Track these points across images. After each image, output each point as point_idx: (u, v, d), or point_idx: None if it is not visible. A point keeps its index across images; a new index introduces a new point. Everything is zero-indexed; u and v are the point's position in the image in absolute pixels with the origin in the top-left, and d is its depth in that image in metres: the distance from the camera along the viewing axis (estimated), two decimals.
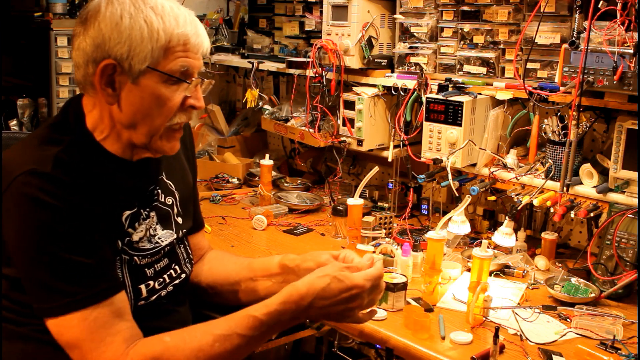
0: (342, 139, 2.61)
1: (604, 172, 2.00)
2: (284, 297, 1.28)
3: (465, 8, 2.31)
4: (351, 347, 2.49)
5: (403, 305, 1.81)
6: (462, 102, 2.18)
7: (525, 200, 2.10)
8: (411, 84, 2.39)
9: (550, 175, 2.09)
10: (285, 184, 2.99)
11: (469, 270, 1.96)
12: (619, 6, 1.81)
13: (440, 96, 2.24)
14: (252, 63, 2.96)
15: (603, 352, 1.60)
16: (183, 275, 1.52)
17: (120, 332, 1.25)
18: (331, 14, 2.56)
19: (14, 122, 3.25)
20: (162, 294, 1.45)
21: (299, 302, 1.28)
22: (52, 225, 1.21)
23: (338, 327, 1.90)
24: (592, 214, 2.01)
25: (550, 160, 2.09)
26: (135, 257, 1.38)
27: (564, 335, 1.69)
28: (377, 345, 1.98)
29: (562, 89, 2.00)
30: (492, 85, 2.25)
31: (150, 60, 1.26)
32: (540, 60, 2.12)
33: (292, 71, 2.81)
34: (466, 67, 2.33)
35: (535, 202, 2.09)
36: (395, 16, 2.52)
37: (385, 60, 2.53)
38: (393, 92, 2.48)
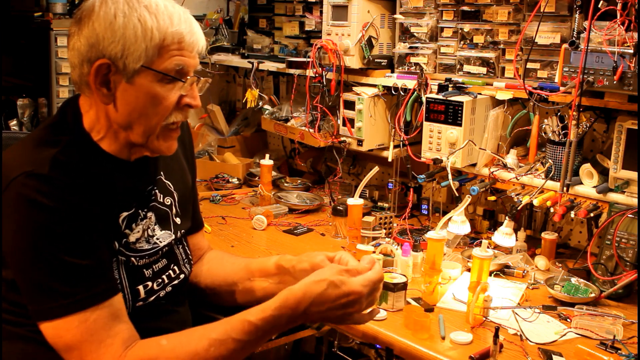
0: (342, 139, 2.61)
1: (604, 172, 2.00)
2: (280, 302, 1.27)
3: (465, 8, 2.31)
4: (351, 347, 2.49)
5: (403, 305, 1.81)
6: (462, 102, 2.18)
7: (525, 200, 2.10)
8: (411, 84, 2.39)
9: (550, 175, 2.09)
10: (285, 184, 2.99)
11: (469, 270, 1.96)
12: (619, 6, 1.80)
13: (440, 96, 2.24)
14: (252, 63, 2.96)
15: (603, 352, 1.60)
16: (182, 276, 1.52)
17: (118, 334, 1.25)
18: (331, 14, 2.56)
19: (14, 122, 3.25)
20: (161, 295, 1.44)
21: (295, 307, 1.26)
22: (49, 227, 1.20)
23: (338, 327, 1.90)
24: (592, 214, 2.01)
25: (550, 160, 2.09)
26: (133, 258, 1.38)
27: (564, 335, 1.69)
28: (377, 345, 1.98)
29: (562, 89, 2.00)
30: (492, 85, 2.25)
31: (145, 59, 1.25)
32: (540, 60, 2.12)
33: (292, 71, 2.81)
34: (466, 67, 2.33)
35: (535, 202, 2.09)
36: (395, 16, 2.52)
37: (385, 60, 2.53)
38: (393, 92, 2.48)
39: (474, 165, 2.27)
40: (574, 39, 1.96)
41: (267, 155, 2.78)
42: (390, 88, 2.48)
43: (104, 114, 1.32)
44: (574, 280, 1.94)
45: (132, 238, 1.37)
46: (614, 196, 1.95)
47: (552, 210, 2.06)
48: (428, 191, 2.64)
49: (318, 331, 2.05)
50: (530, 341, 1.65)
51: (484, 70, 2.29)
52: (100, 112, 1.32)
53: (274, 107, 3.03)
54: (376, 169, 2.24)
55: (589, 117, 2.06)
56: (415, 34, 2.45)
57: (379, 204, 2.66)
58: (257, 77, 2.99)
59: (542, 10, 2.03)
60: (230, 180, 3.03)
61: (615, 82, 1.85)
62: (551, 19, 2.08)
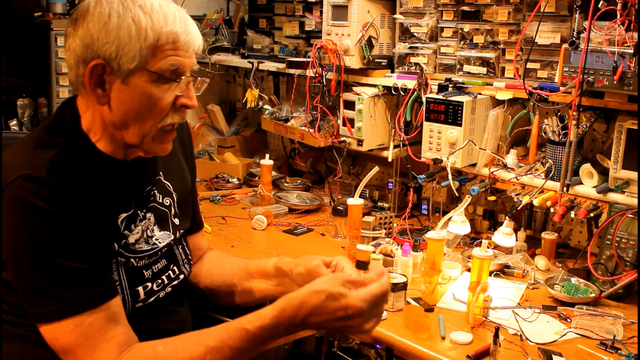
0: (342, 139, 2.61)
1: (604, 172, 2.00)
2: (278, 310, 1.24)
3: (465, 8, 2.31)
4: (351, 347, 2.49)
5: (403, 305, 1.81)
6: (462, 102, 2.18)
7: (525, 200, 2.10)
8: (411, 84, 2.39)
9: (550, 175, 2.09)
10: (285, 184, 2.99)
11: (469, 270, 1.96)
12: (619, 6, 1.80)
13: (440, 96, 2.24)
14: (252, 63, 2.96)
15: (603, 352, 1.60)
16: (182, 276, 1.52)
17: (114, 338, 1.24)
18: (331, 14, 2.56)
19: (14, 122, 3.25)
20: (161, 296, 1.44)
21: (293, 317, 1.23)
22: (46, 230, 1.20)
23: None
24: (592, 214, 2.01)
25: (550, 160, 2.09)
26: (132, 259, 1.37)
27: (564, 335, 1.69)
28: (377, 345, 1.98)
29: (562, 89, 2.00)
30: (492, 85, 2.25)
31: (139, 59, 1.24)
32: (540, 60, 2.12)
33: (292, 71, 2.81)
34: (466, 67, 2.33)
35: (535, 202, 2.09)
36: (395, 16, 2.52)
37: (385, 60, 2.53)
38: (393, 92, 2.48)
39: (474, 165, 2.27)
40: (574, 39, 1.96)
41: (267, 155, 2.78)
42: (390, 88, 2.48)
43: (100, 115, 1.31)
44: (574, 280, 1.94)
45: (131, 239, 1.37)
46: (614, 196, 1.95)
47: (552, 210, 2.06)
48: (428, 191, 2.64)
49: (318, 331, 2.05)
50: (530, 341, 1.65)
51: (484, 70, 2.29)
52: (96, 113, 1.32)
53: (274, 107, 3.03)
54: (376, 169, 2.24)
55: (589, 117, 2.06)
56: (415, 34, 2.45)
57: (379, 204, 2.66)
58: (257, 77, 2.99)
59: (542, 10, 2.03)
60: (230, 180, 3.03)
61: (615, 82, 1.84)
62: (551, 19, 2.08)
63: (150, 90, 1.27)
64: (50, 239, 1.20)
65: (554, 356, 1.58)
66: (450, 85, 2.28)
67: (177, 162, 1.57)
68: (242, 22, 3.29)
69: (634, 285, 1.89)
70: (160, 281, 1.44)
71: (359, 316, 1.23)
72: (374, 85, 2.53)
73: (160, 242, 1.45)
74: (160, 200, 1.47)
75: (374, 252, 2.06)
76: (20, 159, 1.27)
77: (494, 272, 2.05)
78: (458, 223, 2.16)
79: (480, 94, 2.24)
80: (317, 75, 2.58)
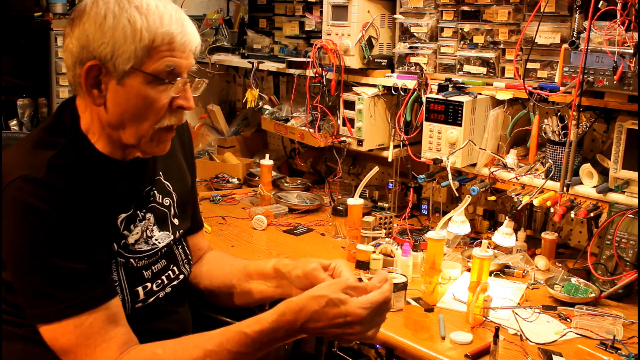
0: (342, 139, 2.61)
1: (604, 172, 2.00)
2: (277, 315, 1.23)
3: (465, 8, 2.31)
4: (351, 347, 2.48)
5: (403, 305, 1.81)
6: (462, 102, 2.18)
7: (525, 200, 2.10)
8: (411, 84, 2.39)
9: (550, 175, 2.09)
10: (285, 184, 2.99)
11: (469, 270, 1.96)
12: (619, 6, 1.80)
13: (440, 96, 2.24)
14: (252, 63, 2.96)
15: (603, 352, 1.60)
16: (181, 277, 1.52)
17: (114, 338, 1.24)
18: (331, 14, 2.56)
19: (14, 122, 3.25)
20: (161, 296, 1.44)
21: (292, 322, 1.22)
22: (45, 231, 1.20)
23: None
24: (592, 214, 2.01)
25: (550, 160, 2.09)
26: (132, 260, 1.37)
27: (564, 335, 1.69)
28: (377, 345, 1.98)
29: (562, 89, 2.00)
30: (492, 85, 2.25)
31: (134, 60, 1.23)
32: (540, 60, 2.12)
33: (292, 71, 2.81)
34: (466, 67, 2.33)
35: (535, 202, 2.09)
36: (395, 16, 2.52)
37: (385, 60, 2.53)
38: (393, 92, 2.48)
39: (474, 165, 2.27)
40: (574, 39, 1.96)
41: (267, 155, 2.78)
42: (390, 88, 2.48)
43: (97, 116, 1.31)
44: (574, 280, 1.94)
45: (130, 239, 1.37)
46: (614, 196, 1.95)
47: (552, 210, 2.06)
48: (428, 191, 2.64)
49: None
50: (530, 341, 1.65)
51: (484, 70, 2.29)
52: (94, 114, 1.31)
53: (274, 107, 3.03)
54: (376, 169, 2.24)
55: (589, 117, 2.06)
56: (415, 34, 2.45)
57: (379, 204, 2.66)
58: (257, 77, 2.99)
59: (542, 10, 2.03)
60: (230, 180, 3.03)
61: (615, 82, 1.84)
62: (551, 19, 2.08)
63: (146, 92, 1.26)
64: (49, 240, 1.20)
65: (554, 356, 1.58)
66: (450, 85, 2.28)
67: (177, 162, 1.57)
68: (242, 22, 3.29)
69: (634, 285, 1.89)
70: (160, 281, 1.44)
71: (359, 324, 1.22)
72: (374, 85, 2.53)
73: (159, 243, 1.45)
74: (160, 201, 1.47)
75: (374, 252, 2.06)
76: (19, 159, 1.27)
77: (494, 272, 2.05)
78: (458, 223, 2.16)
79: (480, 94, 2.24)
80: (317, 75, 2.58)
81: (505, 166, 2.22)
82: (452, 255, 2.17)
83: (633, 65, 1.81)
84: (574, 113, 1.96)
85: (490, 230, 2.37)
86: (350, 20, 2.49)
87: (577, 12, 1.97)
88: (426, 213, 2.60)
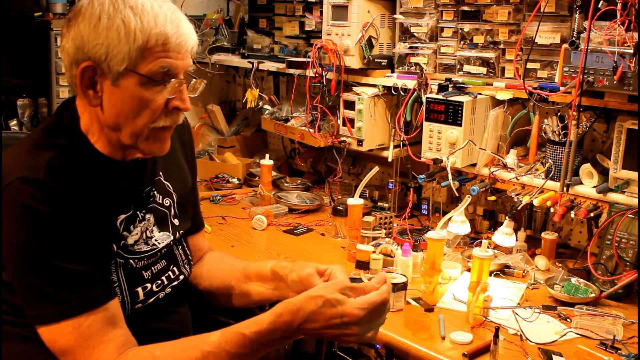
0: (342, 139, 2.61)
1: (604, 172, 2.00)
2: (275, 316, 1.23)
3: (465, 8, 2.31)
4: (351, 347, 2.49)
5: (403, 305, 1.81)
6: (462, 102, 2.18)
7: (525, 200, 2.10)
8: (411, 84, 2.39)
9: (550, 175, 2.09)
10: (285, 184, 2.99)
11: (469, 270, 1.96)
12: (619, 6, 1.80)
13: (440, 96, 2.24)
14: (252, 63, 2.96)
15: (603, 352, 1.60)
16: (181, 277, 1.52)
17: (112, 340, 1.24)
18: (331, 14, 2.56)
19: (14, 122, 3.25)
20: (160, 296, 1.44)
21: (290, 322, 1.22)
22: (44, 232, 1.19)
23: None
24: (592, 214, 2.01)
25: (550, 160, 2.09)
26: (131, 260, 1.37)
27: (564, 335, 1.69)
28: (377, 345, 1.98)
29: (562, 89, 2.00)
30: (492, 85, 2.25)
31: (128, 61, 1.23)
32: (540, 60, 2.12)
33: (292, 71, 2.81)
34: (466, 67, 2.33)
35: (535, 202, 2.09)
36: (395, 16, 2.52)
37: (385, 60, 2.53)
38: (393, 92, 2.48)
39: (474, 165, 2.27)
40: (574, 39, 1.96)
41: (267, 155, 2.78)
42: (390, 88, 2.48)
43: (95, 116, 1.30)
44: (574, 280, 1.94)
45: (130, 240, 1.37)
46: (614, 196, 1.95)
47: (552, 210, 2.06)
48: (428, 191, 2.64)
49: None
50: (530, 341, 1.65)
51: (484, 70, 2.29)
52: (92, 114, 1.31)
53: (274, 107, 3.03)
54: (376, 169, 2.24)
55: (589, 117, 2.06)
56: (415, 34, 2.45)
57: (379, 204, 2.65)
58: (257, 77, 2.99)
59: (542, 10, 2.03)
60: (230, 180, 3.03)
61: (615, 82, 1.84)
62: (551, 19, 2.08)
63: (141, 93, 1.25)
64: (48, 241, 1.20)
65: (554, 356, 1.58)
66: (450, 85, 2.28)
67: (177, 163, 1.56)
68: (242, 22, 3.29)
69: (634, 285, 1.89)
70: (159, 282, 1.44)
71: (356, 324, 1.21)
72: (374, 85, 2.53)
73: (159, 243, 1.44)
74: (160, 201, 1.47)
75: (374, 252, 2.06)
76: (18, 160, 1.27)
77: (494, 272, 2.05)
78: (458, 223, 2.16)
79: (480, 94, 2.24)
80: (317, 75, 2.58)
81: (505, 166, 2.21)
82: (452, 255, 2.17)
83: (633, 65, 1.80)
84: (574, 113, 1.96)
85: (490, 230, 2.37)
86: (350, 20, 2.49)
87: (577, 12, 1.97)
88: (426, 213, 2.60)
